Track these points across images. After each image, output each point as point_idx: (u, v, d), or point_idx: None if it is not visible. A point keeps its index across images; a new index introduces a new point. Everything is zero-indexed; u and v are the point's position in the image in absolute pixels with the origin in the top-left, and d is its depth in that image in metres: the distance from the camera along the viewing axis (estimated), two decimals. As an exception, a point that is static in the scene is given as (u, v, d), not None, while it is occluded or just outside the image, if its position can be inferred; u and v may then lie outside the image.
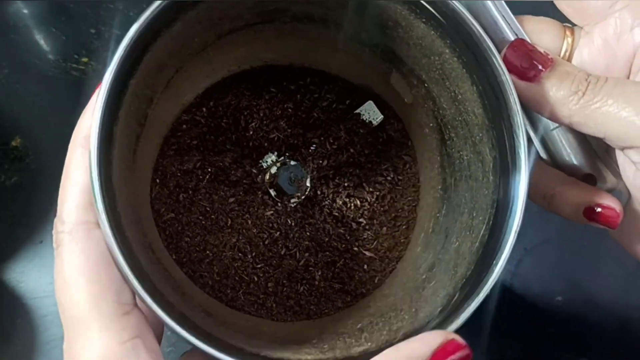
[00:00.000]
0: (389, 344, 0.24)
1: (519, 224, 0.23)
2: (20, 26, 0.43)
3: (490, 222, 0.25)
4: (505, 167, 0.24)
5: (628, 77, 0.25)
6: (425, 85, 0.30)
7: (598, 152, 0.27)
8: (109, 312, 0.18)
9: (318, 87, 0.35)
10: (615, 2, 0.24)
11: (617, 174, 0.26)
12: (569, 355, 0.40)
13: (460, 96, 0.27)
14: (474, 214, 0.26)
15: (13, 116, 0.41)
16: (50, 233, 0.38)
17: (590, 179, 0.26)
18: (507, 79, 0.23)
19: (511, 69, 0.23)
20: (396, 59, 0.30)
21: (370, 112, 0.34)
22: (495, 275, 0.22)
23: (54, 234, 0.20)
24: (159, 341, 0.22)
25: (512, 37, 0.24)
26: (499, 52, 0.24)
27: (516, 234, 0.23)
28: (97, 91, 0.22)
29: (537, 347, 0.40)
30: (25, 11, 0.44)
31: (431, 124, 0.31)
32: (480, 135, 0.26)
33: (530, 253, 0.42)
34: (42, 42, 0.43)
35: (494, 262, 0.23)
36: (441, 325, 0.23)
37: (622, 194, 0.26)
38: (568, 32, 0.25)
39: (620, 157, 0.24)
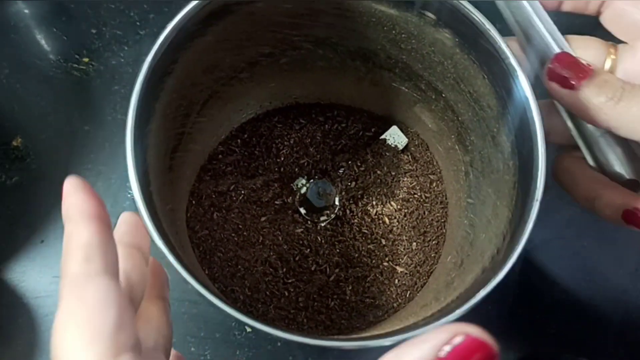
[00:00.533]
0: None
1: (542, 191, 0.24)
2: (21, 26, 0.43)
3: (514, 202, 0.26)
4: (522, 145, 0.26)
5: None
6: (443, 95, 0.31)
7: None
8: (100, 355, 0.18)
9: (345, 118, 0.37)
10: None
11: None
12: (570, 355, 0.40)
13: (475, 94, 0.28)
14: (498, 203, 0.28)
15: (14, 116, 0.41)
16: (51, 232, 0.38)
17: (633, 184, 0.28)
18: (512, 56, 0.25)
19: (554, 78, 0.25)
20: (414, 75, 0.31)
21: (395, 137, 0.36)
22: (521, 245, 0.23)
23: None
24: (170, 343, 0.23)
25: (557, 50, 0.26)
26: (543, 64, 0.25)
27: (538, 202, 0.24)
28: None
29: (539, 347, 0.40)
30: (26, 11, 0.44)
31: (452, 136, 0.32)
32: (497, 126, 0.27)
33: (530, 253, 0.42)
34: (43, 42, 0.43)
35: (520, 234, 0.24)
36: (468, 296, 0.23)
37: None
38: (612, 49, 0.27)
39: None
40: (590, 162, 0.28)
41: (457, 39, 0.27)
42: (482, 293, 0.22)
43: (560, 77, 0.25)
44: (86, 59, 0.43)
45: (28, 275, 0.38)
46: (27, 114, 0.41)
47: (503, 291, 0.41)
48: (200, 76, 0.28)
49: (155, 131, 0.24)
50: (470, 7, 0.25)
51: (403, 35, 0.28)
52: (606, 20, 0.28)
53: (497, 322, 0.40)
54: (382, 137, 0.36)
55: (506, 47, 0.25)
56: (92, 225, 0.21)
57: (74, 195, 0.21)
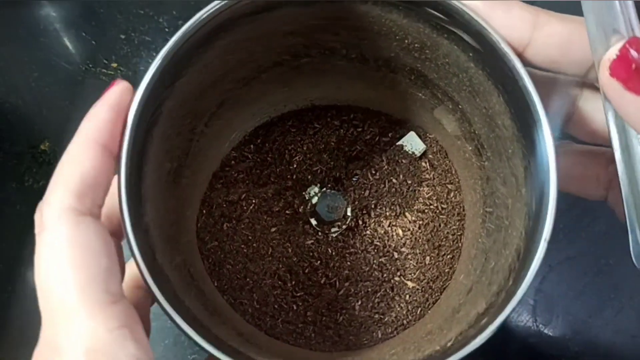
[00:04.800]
0: None
1: (550, 231, 0.22)
2: (51, 30, 0.44)
3: (523, 234, 0.24)
4: (535, 175, 0.24)
5: None
6: (460, 106, 0.29)
7: None
8: (96, 300, 0.18)
9: (361, 122, 0.35)
10: None
11: None
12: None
13: (490, 111, 0.27)
14: (509, 231, 0.26)
15: (42, 120, 0.41)
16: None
17: None
18: (526, 76, 0.22)
19: (620, 75, 0.19)
20: (430, 83, 0.30)
21: (413, 143, 0.34)
22: (525, 286, 0.22)
23: (36, 217, 0.19)
24: (147, 335, 0.22)
25: None
26: None
27: (547, 242, 0.22)
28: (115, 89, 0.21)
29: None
30: (55, 14, 0.44)
31: (470, 148, 0.31)
32: (512, 148, 0.26)
33: (554, 270, 0.42)
34: (71, 46, 0.43)
35: (525, 271, 0.22)
36: (466, 340, 0.22)
37: None
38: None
39: None
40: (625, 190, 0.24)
41: (470, 54, 0.25)
42: (474, 345, 0.21)
43: (628, 74, 0.19)
44: (114, 64, 0.43)
45: (53, 280, 0.38)
46: (55, 118, 0.42)
47: (526, 309, 0.41)
48: (212, 82, 0.28)
49: (161, 136, 0.24)
50: (484, 23, 0.23)
51: (416, 45, 0.27)
52: None
53: (520, 339, 0.39)
54: (399, 143, 0.35)
55: (521, 67, 0.22)
56: (98, 156, 0.20)
57: (98, 113, 0.20)
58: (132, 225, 0.20)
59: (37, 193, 0.40)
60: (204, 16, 0.23)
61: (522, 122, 0.24)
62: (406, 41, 0.27)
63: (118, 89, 0.21)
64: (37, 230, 0.19)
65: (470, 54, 0.25)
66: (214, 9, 0.23)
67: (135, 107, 0.22)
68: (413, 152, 0.34)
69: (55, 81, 0.42)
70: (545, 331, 0.40)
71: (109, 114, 0.21)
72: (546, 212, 0.22)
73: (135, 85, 0.21)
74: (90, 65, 0.43)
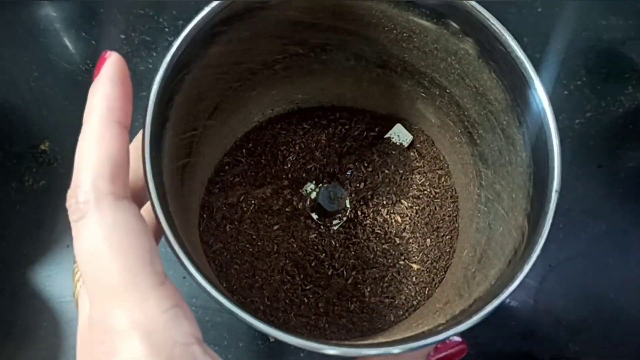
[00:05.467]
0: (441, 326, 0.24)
1: (559, 182, 0.23)
2: (51, 30, 0.43)
3: (530, 194, 0.25)
4: (535, 137, 0.25)
5: None
6: (447, 90, 0.30)
7: None
8: (147, 282, 0.18)
9: (348, 120, 0.36)
10: None
11: None
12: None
13: (481, 88, 0.28)
14: (514, 195, 0.27)
15: (42, 120, 0.41)
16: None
17: None
18: (517, 47, 0.24)
19: None
20: (417, 72, 0.31)
21: (400, 135, 0.36)
22: (544, 236, 0.23)
23: (70, 204, 0.19)
24: None
25: None
26: None
27: (557, 193, 0.23)
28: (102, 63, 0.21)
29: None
30: (55, 14, 0.44)
31: (459, 130, 0.32)
32: (507, 118, 0.27)
33: (555, 270, 0.42)
34: (71, 46, 0.43)
35: (541, 226, 0.23)
36: (495, 292, 0.23)
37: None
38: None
39: None
40: None
41: (460, 35, 0.26)
42: (510, 288, 0.22)
43: None
44: (115, 64, 0.43)
45: (53, 280, 0.38)
46: (56, 118, 0.41)
47: (526, 307, 0.41)
48: (205, 90, 0.28)
49: (167, 149, 0.24)
50: (471, 3, 0.24)
51: (404, 35, 0.28)
52: None
53: (520, 339, 0.39)
54: (387, 135, 0.36)
55: (512, 41, 0.24)
56: (119, 136, 0.19)
57: (105, 90, 0.20)
58: (164, 215, 0.20)
59: (37, 193, 0.40)
60: (208, 10, 0.23)
61: (515, 91, 0.25)
62: (395, 32, 0.28)
63: (112, 62, 0.21)
64: (74, 216, 0.19)
65: (460, 36, 0.26)
66: (217, 4, 0.23)
67: (156, 91, 0.22)
68: (401, 143, 0.36)
69: (55, 81, 0.42)
70: (546, 331, 0.40)
71: (115, 90, 0.21)
72: (552, 166, 0.23)
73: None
74: (91, 65, 0.43)
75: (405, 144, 0.36)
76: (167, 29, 0.44)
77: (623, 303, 0.41)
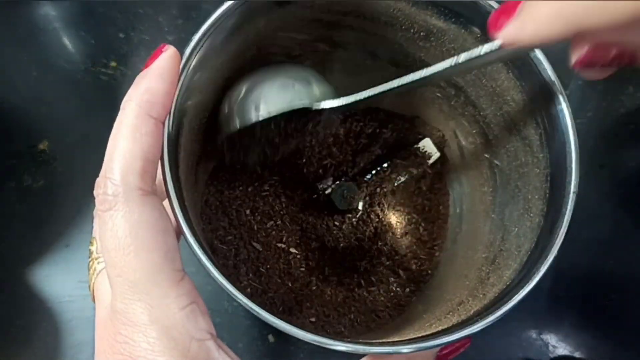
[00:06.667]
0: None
1: (577, 184, 0.23)
2: (50, 29, 0.43)
3: (547, 195, 0.25)
4: (553, 137, 0.25)
5: None
6: (463, 90, 0.30)
7: None
8: (168, 280, 0.18)
9: (362, 117, 0.36)
10: None
11: None
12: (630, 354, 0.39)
13: (498, 89, 0.28)
14: (529, 196, 0.27)
15: (41, 119, 0.41)
16: (76, 237, 0.38)
17: None
18: (538, 50, 0.24)
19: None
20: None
21: (427, 148, 0.36)
22: (561, 237, 0.23)
23: (98, 194, 0.19)
24: None
25: None
26: None
27: (575, 194, 0.23)
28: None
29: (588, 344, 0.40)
30: (54, 14, 0.44)
31: (474, 130, 0.32)
32: (524, 119, 0.27)
33: (554, 270, 0.42)
34: (70, 45, 0.43)
35: (558, 226, 0.23)
36: (511, 293, 0.23)
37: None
38: None
39: None
40: None
41: (478, 35, 0.26)
42: (527, 289, 0.22)
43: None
44: (114, 64, 0.43)
45: (52, 280, 0.38)
46: (54, 118, 0.41)
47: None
48: (219, 85, 0.28)
49: (183, 145, 0.24)
50: (490, 3, 0.24)
51: (422, 34, 0.28)
52: None
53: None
54: (416, 146, 0.36)
55: None
56: (155, 132, 0.19)
57: (151, 84, 0.20)
58: (180, 208, 0.20)
59: (37, 193, 0.40)
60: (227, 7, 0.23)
61: (534, 92, 0.25)
62: (412, 30, 0.28)
63: (167, 56, 0.21)
64: (101, 207, 0.19)
65: (479, 36, 0.26)
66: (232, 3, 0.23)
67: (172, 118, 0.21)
68: (427, 156, 0.36)
69: (54, 81, 0.42)
70: (546, 332, 0.40)
71: (162, 86, 0.20)
72: (571, 167, 0.23)
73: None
74: (90, 65, 0.42)
75: (430, 161, 0.36)
76: (166, 28, 0.44)
77: (624, 303, 0.41)
